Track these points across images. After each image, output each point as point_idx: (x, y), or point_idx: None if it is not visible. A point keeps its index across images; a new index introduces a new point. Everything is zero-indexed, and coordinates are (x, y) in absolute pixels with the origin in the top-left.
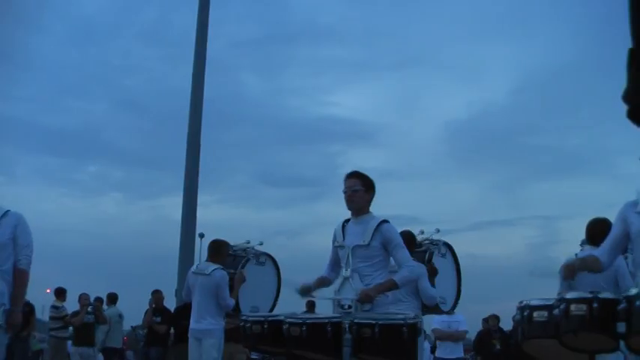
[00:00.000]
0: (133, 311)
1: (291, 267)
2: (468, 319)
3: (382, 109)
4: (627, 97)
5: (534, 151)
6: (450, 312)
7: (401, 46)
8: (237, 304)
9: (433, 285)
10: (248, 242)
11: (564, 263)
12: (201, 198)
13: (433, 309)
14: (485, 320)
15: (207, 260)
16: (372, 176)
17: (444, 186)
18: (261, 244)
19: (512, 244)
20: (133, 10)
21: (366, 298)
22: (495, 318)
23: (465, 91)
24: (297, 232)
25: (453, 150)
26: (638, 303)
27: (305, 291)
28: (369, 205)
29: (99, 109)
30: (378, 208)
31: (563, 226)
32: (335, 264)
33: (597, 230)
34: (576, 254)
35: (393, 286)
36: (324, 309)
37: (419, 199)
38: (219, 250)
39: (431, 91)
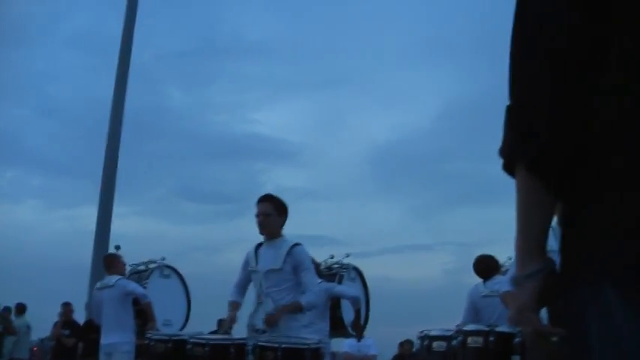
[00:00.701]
0: (42, 322)
1: (209, 283)
2: (384, 343)
3: (306, 129)
4: (502, 153)
5: (455, 177)
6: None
7: (327, 66)
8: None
9: (342, 315)
10: (149, 260)
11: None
12: (119, 209)
13: (342, 332)
14: (401, 344)
15: (107, 274)
16: (293, 195)
17: (364, 208)
18: (163, 259)
19: (429, 268)
20: (62, 15)
21: (271, 320)
22: (409, 343)
23: (390, 114)
24: (216, 248)
25: (375, 172)
26: None
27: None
28: (281, 228)
29: (20, 114)
30: (298, 228)
31: (479, 253)
32: (242, 287)
33: (483, 266)
34: (484, 281)
35: (297, 307)
36: (236, 330)
37: (339, 221)
38: (112, 262)
39: (356, 113)
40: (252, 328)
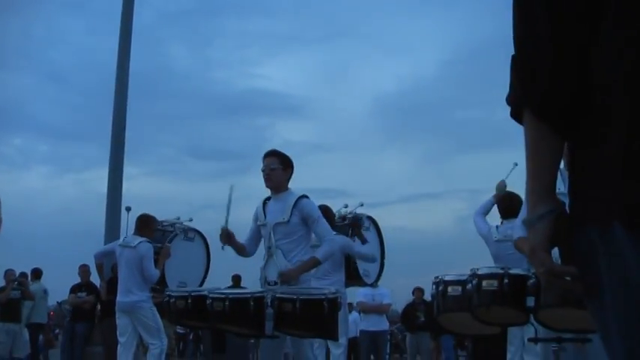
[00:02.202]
0: (58, 286)
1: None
2: (398, 291)
3: (310, 82)
4: (509, 101)
5: (463, 124)
6: (374, 285)
7: (329, 18)
8: (163, 278)
9: (356, 265)
10: (178, 218)
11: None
12: (128, 171)
13: (357, 282)
14: (413, 292)
15: (134, 234)
16: (301, 149)
17: (372, 159)
18: (190, 220)
19: (441, 216)
20: None
21: (287, 279)
22: (420, 291)
23: (394, 63)
24: (226, 205)
25: (382, 123)
26: None
27: (226, 236)
28: (287, 182)
29: (23, 82)
30: (308, 181)
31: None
32: (251, 240)
33: (507, 204)
34: (497, 226)
35: (316, 263)
36: (250, 284)
37: (347, 173)
38: (146, 224)
39: (360, 64)
40: (264, 281)
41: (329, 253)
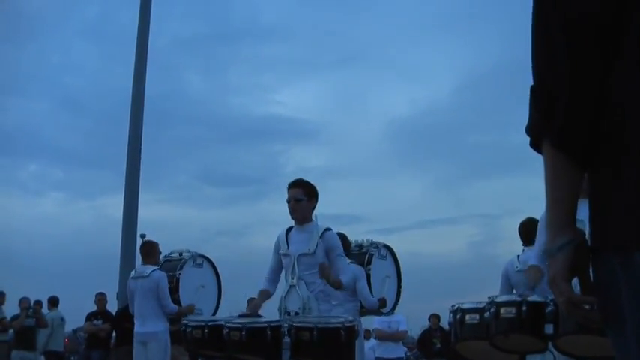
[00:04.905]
0: (74, 313)
1: (235, 267)
2: (413, 317)
3: (325, 108)
4: (529, 132)
5: (476, 149)
6: (390, 312)
7: (343, 44)
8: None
9: (372, 293)
10: (184, 249)
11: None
12: (143, 197)
13: (372, 310)
14: (429, 319)
15: (142, 263)
16: (315, 175)
17: (386, 184)
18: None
19: (455, 242)
20: (74, 6)
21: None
22: (436, 317)
23: (408, 89)
24: (240, 232)
25: (396, 148)
26: None
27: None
28: (312, 212)
29: (38, 108)
30: (321, 207)
31: (504, 224)
32: (275, 272)
33: (530, 229)
34: (518, 255)
35: (340, 285)
36: (266, 312)
37: (362, 198)
38: (150, 250)
39: (374, 90)
40: (284, 311)
41: (347, 284)
